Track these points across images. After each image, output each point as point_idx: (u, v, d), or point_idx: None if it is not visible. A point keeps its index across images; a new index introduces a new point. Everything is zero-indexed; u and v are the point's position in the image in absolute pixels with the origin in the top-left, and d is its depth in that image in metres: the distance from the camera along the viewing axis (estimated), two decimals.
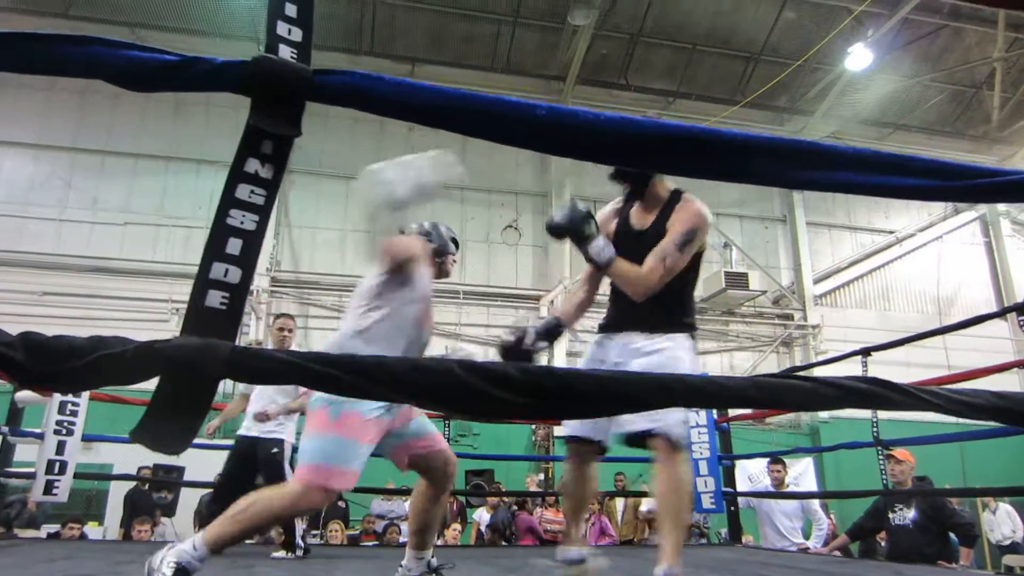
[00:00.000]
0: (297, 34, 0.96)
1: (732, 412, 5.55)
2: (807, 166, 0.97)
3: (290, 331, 4.58)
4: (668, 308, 2.37)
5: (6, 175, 10.25)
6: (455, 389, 0.88)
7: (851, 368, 4.24)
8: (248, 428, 4.34)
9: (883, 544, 5.65)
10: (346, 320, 2.42)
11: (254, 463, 4.20)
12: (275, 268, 10.61)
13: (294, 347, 4.65)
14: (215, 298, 0.90)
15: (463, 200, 11.44)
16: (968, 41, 11.88)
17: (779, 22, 11.31)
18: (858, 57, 10.78)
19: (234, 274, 0.91)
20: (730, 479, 5.29)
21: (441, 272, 2.71)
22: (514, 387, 0.87)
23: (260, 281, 10.32)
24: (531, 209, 11.81)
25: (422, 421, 2.47)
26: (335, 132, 11.13)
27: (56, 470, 4.25)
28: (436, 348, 3.11)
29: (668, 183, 2.39)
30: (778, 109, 12.71)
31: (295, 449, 4.16)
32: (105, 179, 10.53)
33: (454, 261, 2.76)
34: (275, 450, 4.22)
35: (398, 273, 2.38)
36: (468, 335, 10.78)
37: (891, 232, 13.10)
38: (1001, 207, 13.36)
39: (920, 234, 13.17)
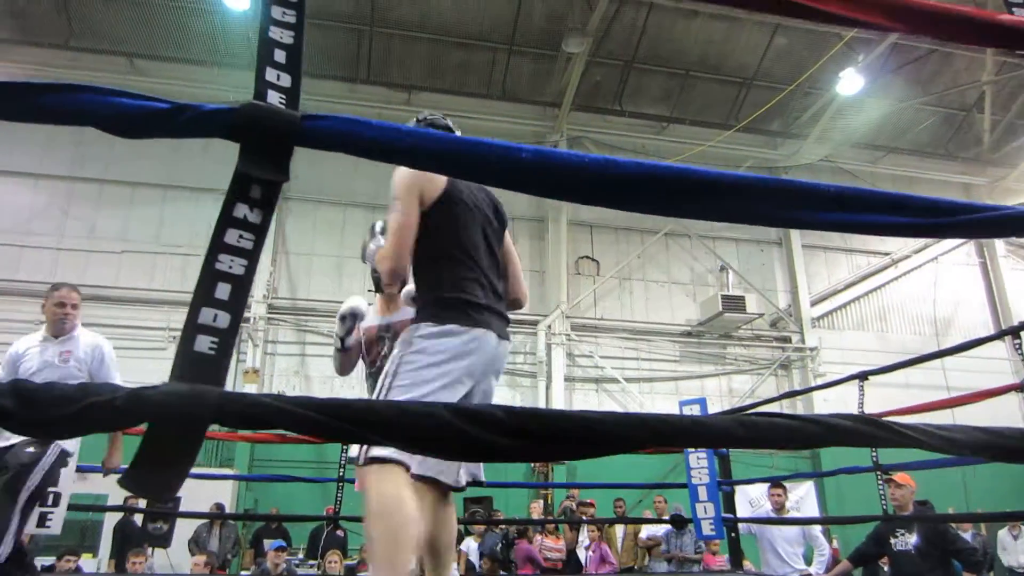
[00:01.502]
0: (286, 80, 0.98)
1: None
2: (787, 205, 0.99)
3: (74, 307, 3.64)
4: (421, 293, 2.14)
5: (4, 204, 10.28)
6: (442, 433, 0.88)
7: (850, 391, 4.23)
8: None
9: (886, 569, 5.60)
10: None
11: None
12: (272, 295, 10.61)
13: (83, 338, 3.74)
14: (204, 343, 0.91)
15: None
16: (957, 65, 12.06)
17: (771, 48, 11.48)
18: (849, 81, 10.92)
19: (223, 319, 0.91)
20: (730, 505, 5.24)
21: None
22: (501, 430, 0.87)
23: (257, 308, 10.33)
24: (528, 234, 11.86)
25: None
26: (332, 159, 11.17)
27: (50, 502, 4.20)
28: None
29: None
30: (771, 133, 12.84)
31: None
32: (103, 208, 10.57)
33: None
34: None
35: None
36: None
37: (886, 254, 13.16)
38: None
39: (915, 255, 13.23)
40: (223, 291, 0.92)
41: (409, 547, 1.81)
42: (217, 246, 0.92)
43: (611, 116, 12.29)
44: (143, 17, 10.31)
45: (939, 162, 13.43)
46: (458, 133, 2.37)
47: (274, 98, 0.96)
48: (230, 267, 0.92)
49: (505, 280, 2.36)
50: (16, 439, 3.60)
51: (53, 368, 3.68)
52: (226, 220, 0.92)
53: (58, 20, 10.38)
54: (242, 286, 0.93)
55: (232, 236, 0.92)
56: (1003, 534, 8.94)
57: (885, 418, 0.96)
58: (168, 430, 0.87)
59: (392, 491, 1.83)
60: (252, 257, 0.93)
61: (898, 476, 4.29)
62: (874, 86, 11.44)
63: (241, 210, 0.92)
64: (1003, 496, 8.77)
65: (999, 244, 13.44)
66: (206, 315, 0.91)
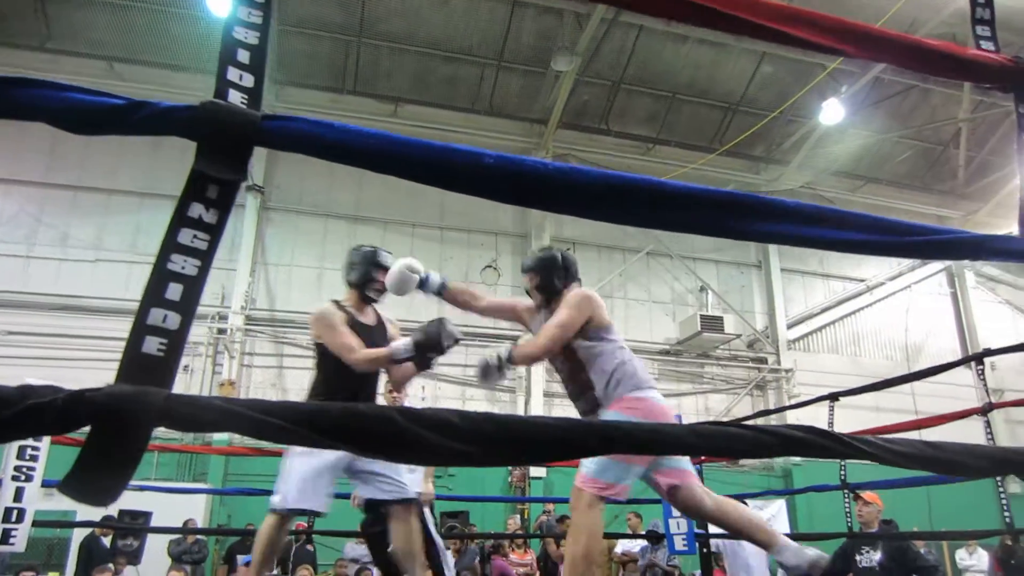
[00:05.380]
0: (249, 80, 0.97)
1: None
2: (748, 218, 0.99)
3: None
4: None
5: None
6: (396, 437, 0.87)
7: (821, 411, 4.27)
8: None
9: None
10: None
11: None
12: (250, 306, 10.50)
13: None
14: (152, 344, 0.89)
15: (442, 240, 11.49)
16: (935, 101, 12.37)
17: (757, 75, 11.66)
18: (831, 111, 11.11)
19: (173, 320, 0.89)
20: (703, 521, 5.24)
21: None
22: (455, 434, 0.86)
23: (234, 319, 10.21)
24: (510, 250, 11.88)
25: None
26: (314, 170, 11.17)
27: (14, 518, 4.09)
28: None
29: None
30: (754, 158, 13.02)
31: None
32: (76, 215, 10.38)
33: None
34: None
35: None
36: (446, 375, 10.71)
37: (862, 280, 13.35)
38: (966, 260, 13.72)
39: (890, 283, 13.45)
40: (174, 292, 0.90)
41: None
42: (170, 246, 0.90)
43: (597, 135, 12.39)
44: (123, 21, 10.19)
45: (915, 194, 13.70)
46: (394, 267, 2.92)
47: (235, 97, 0.95)
48: (183, 267, 0.91)
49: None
50: None
51: None
52: (180, 219, 0.90)
53: (35, 22, 10.21)
54: (194, 287, 0.91)
55: (186, 236, 0.91)
56: (961, 552, 9.31)
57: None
58: (111, 433, 0.84)
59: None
60: (206, 258, 0.91)
61: (866, 495, 4.34)
62: (855, 117, 11.66)
63: (196, 210, 0.91)
64: (963, 516, 8.88)
65: (969, 275, 13.74)
66: (155, 315, 0.89)
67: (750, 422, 6.18)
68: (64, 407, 0.82)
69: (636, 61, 11.39)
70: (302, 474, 2.78)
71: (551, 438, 0.87)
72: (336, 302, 3.09)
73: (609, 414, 2.64)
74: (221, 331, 10.18)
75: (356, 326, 2.98)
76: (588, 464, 2.47)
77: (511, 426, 0.88)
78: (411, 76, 11.54)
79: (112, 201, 10.56)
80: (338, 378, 2.89)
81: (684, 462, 2.70)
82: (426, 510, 4.14)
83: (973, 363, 3.35)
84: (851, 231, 1.00)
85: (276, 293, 10.81)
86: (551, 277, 2.91)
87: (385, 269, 3.00)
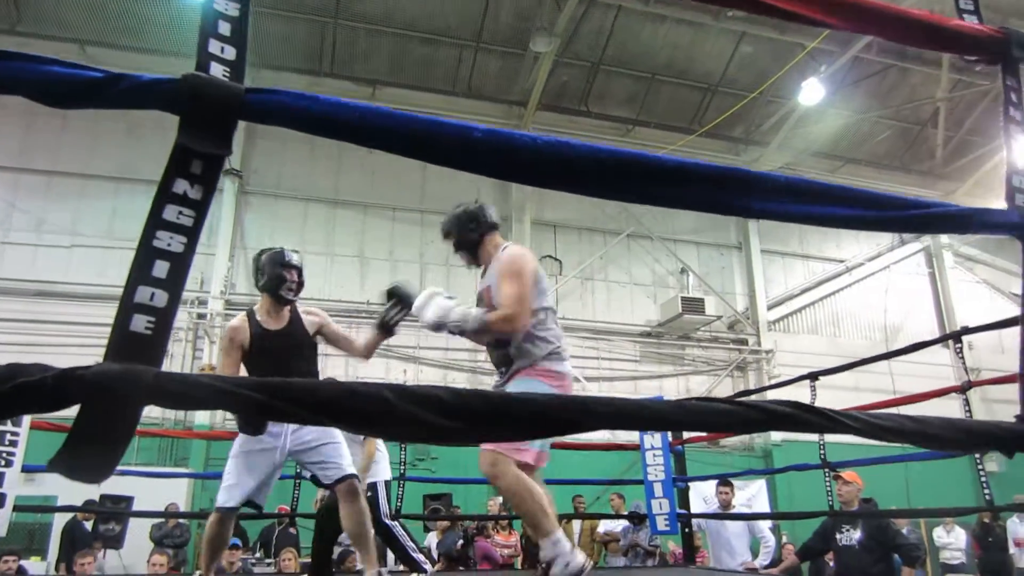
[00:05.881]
0: (230, 52, 0.95)
1: (686, 435, 5.60)
2: (741, 193, 0.99)
3: None
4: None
5: None
6: (386, 414, 0.87)
7: (802, 391, 4.32)
8: None
9: (832, 565, 5.75)
10: None
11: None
12: (230, 291, 10.40)
13: None
14: (140, 323, 0.88)
15: (423, 224, 11.42)
16: (914, 81, 12.44)
17: (736, 55, 11.66)
18: (811, 91, 11.15)
19: (160, 298, 0.88)
20: (684, 501, 5.32)
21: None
22: (445, 411, 0.86)
23: (214, 304, 10.11)
24: None
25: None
26: (293, 154, 11.06)
27: None
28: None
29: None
30: (734, 139, 13.05)
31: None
32: (51, 200, 10.19)
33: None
34: (370, 494, 4.05)
35: None
36: (427, 358, 10.71)
37: (841, 261, 13.50)
38: (944, 239, 13.92)
39: (869, 263, 13.60)
40: (161, 269, 0.89)
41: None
42: (155, 223, 0.89)
43: (577, 117, 12.34)
44: (95, 3, 9.98)
45: (894, 174, 13.82)
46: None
47: (217, 71, 0.93)
48: (168, 244, 0.89)
49: None
50: None
51: None
52: (164, 195, 0.89)
53: (4, 5, 9.99)
54: (181, 264, 0.90)
55: (171, 212, 0.89)
56: (939, 531, 9.42)
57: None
58: (101, 411, 0.83)
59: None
60: (192, 234, 0.90)
61: (846, 474, 4.39)
62: (835, 97, 11.71)
63: (181, 185, 0.89)
64: (941, 494, 9.09)
65: (948, 255, 13.91)
66: (143, 294, 0.88)
67: None
68: (54, 385, 0.80)
69: (615, 42, 11.33)
70: (240, 473, 2.96)
71: (536, 414, 0.87)
72: (249, 312, 3.13)
73: (520, 380, 2.63)
74: (201, 316, 10.09)
75: (261, 336, 3.04)
76: None
77: (497, 403, 0.88)
78: (389, 58, 11.40)
79: (88, 186, 10.38)
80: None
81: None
82: (381, 496, 4.19)
83: (951, 341, 3.40)
84: (845, 206, 1.01)
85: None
86: (465, 233, 2.94)
87: (292, 267, 3.06)
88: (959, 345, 3.32)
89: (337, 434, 2.99)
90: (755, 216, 1.04)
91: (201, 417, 9.56)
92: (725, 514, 5.68)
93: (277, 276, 3.04)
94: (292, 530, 7.54)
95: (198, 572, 3.20)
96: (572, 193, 0.99)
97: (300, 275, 3.11)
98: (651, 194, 1.03)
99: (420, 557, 4.00)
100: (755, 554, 5.68)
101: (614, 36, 11.23)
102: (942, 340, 3.92)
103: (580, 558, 2.37)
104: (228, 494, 2.96)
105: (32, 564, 6.91)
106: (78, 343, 9.00)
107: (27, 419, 4.18)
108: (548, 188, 0.97)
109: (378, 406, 0.85)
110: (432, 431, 0.85)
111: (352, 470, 2.99)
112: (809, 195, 1.03)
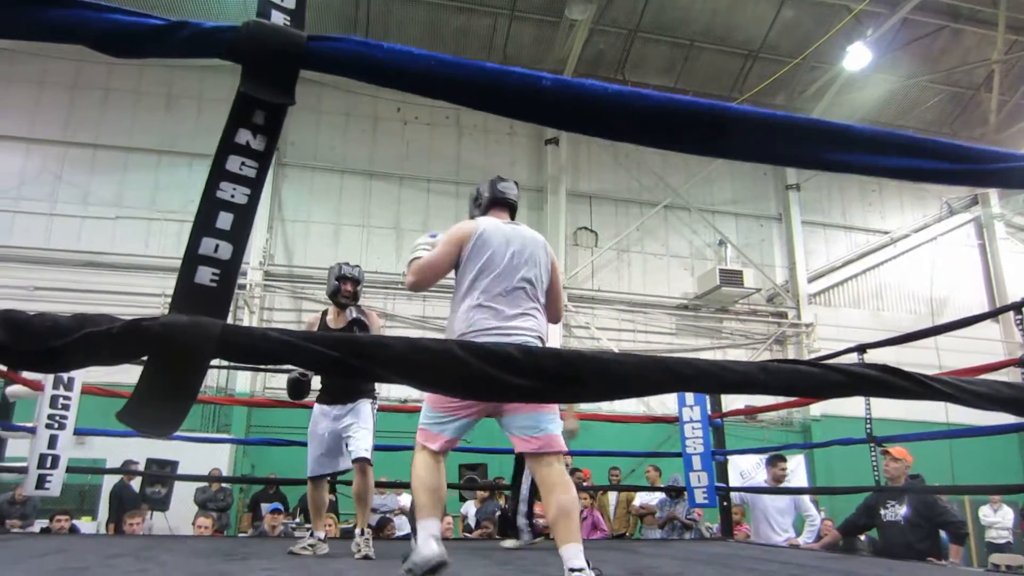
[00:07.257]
0: (290, 1, 0.92)
1: (725, 408, 5.53)
2: (822, 146, 0.94)
3: None
4: None
5: None
6: (456, 370, 0.85)
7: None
8: None
9: (864, 540, 5.67)
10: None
11: None
12: (268, 262, 10.54)
13: None
14: (205, 275, 0.87)
15: (457, 195, 11.39)
16: (967, 43, 11.90)
17: (778, 20, 11.29)
18: (857, 56, 10.75)
19: (225, 249, 0.87)
20: (723, 474, 5.27)
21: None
22: (515, 369, 0.83)
23: (253, 275, 10.26)
24: (526, 205, 11.74)
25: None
26: (328, 126, 11.10)
27: (48, 464, 4.20)
28: None
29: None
30: (775, 107, 12.62)
31: None
32: (96, 173, 10.43)
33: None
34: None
35: None
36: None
37: (886, 232, 13.12)
38: (995, 209, 13.40)
39: (915, 235, 13.20)
40: (224, 221, 0.87)
41: None
42: (218, 174, 0.87)
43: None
44: None
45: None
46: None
47: (278, 19, 0.90)
48: (232, 195, 0.88)
49: None
50: None
51: None
52: (227, 146, 0.87)
53: None
54: (245, 216, 0.88)
55: (234, 163, 0.88)
56: (985, 509, 9.25)
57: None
58: (168, 363, 0.83)
59: None
60: (255, 185, 0.88)
61: (895, 450, 4.29)
62: (881, 61, 11.28)
63: (244, 136, 0.87)
64: (986, 472, 8.88)
65: (999, 226, 13.40)
66: (207, 245, 0.87)
67: None
68: (120, 336, 0.80)
69: (652, 8, 11.06)
70: (312, 449, 3.66)
71: (617, 375, 0.84)
72: (324, 312, 3.87)
73: None
74: (240, 286, 10.26)
75: (324, 332, 3.48)
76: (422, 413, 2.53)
77: (574, 362, 0.85)
78: (423, 27, 11.30)
79: (131, 158, 10.58)
80: None
81: (551, 427, 2.37)
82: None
83: (1008, 314, 3.27)
84: (928, 159, 0.95)
85: (294, 248, 10.83)
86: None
87: (347, 279, 3.70)
88: (1020, 316, 3.18)
89: (368, 422, 3.57)
90: (837, 170, 0.98)
91: (241, 385, 9.76)
92: (766, 488, 5.61)
93: (334, 287, 3.72)
94: (331, 497, 7.68)
95: (308, 526, 3.82)
96: (642, 145, 0.94)
97: (355, 285, 3.72)
98: (723, 147, 0.98)
99: (523, 523, 4.38)
100: (798, 531, 5.62)
101: (651, 2, 10.96)
102: (1000, 312, 3.77)
103: (429, 552, 2.17)
104: (309, 466, 3.67)
105: (83, 524, 7.18)
106: (123, 312, 9.13)
107: (79, 383, 4.30)
108: (617, 140, 0.92)
109: (447, 362, 0.83)
110: (503, 389, 0.82)
111: (366, 454, 3.51)
112: (897, 149, 0.97)
